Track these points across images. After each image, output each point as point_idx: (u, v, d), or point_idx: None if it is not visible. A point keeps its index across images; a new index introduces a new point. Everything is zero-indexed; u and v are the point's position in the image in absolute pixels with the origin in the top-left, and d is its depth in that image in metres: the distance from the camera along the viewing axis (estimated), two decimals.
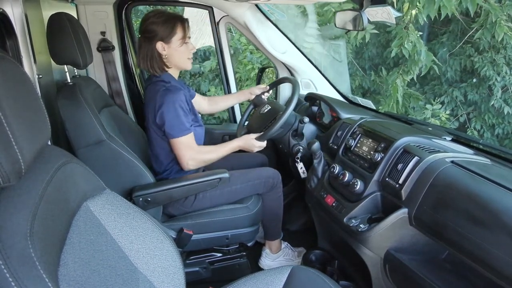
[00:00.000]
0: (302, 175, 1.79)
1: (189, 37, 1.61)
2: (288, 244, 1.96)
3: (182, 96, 1.53)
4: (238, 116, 2.50)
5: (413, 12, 3.70)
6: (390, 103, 4.31)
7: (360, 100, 2.19)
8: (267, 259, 1.88)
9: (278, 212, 1.81)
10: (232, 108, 2.48)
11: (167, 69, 1.60)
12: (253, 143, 1.67)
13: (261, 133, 1.70)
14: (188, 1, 2.25)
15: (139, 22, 1.59)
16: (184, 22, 1.57)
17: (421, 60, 3.97)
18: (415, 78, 4.38)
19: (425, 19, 3.73)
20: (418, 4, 3.59)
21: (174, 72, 1.64)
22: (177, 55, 1.57)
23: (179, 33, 1.55)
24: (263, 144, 1.70)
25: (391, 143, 1.35)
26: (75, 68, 1.61)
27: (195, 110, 1.67)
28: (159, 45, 1.53)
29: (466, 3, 3.57)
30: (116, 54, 2.15)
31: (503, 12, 4.05)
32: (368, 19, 1.60)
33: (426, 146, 1.31)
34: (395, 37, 4.21)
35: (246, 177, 1.70)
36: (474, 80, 5.06)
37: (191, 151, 1.56)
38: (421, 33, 4.17)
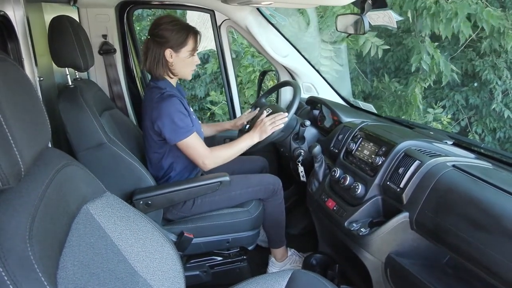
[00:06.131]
0: (302, 178, 1.78)
1: (197, 50, 1.60)
2: (295, 251, 1.92)
3: (176, 101, 1.51)
4: None
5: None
6: (411, 112, 4.46)
7: (362, 104, 2.19)
8: (274, 268, 1.86)
9: (280, 218, 1.79)
10: (234, 111, 2.48)
11: (169, 77, 1.60)
12: (266, 125, 1.61)
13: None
14: (190, 4, 2.26)
15: (150, 24, 1.56)
16: (196, 35, 1.57)
17: (439, 70, 4.03)
18: (432, 85, 4.44)
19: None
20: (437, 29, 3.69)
21: (173, 80, 1.63)
22: (183, 65, 1.58)
23: (190, 45, 1.55)
24: (280, 117, 1.62)
25: (392, 147, 1.34)
26: (76, 71, 1.61)
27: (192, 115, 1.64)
28: (168, 52, 1.53)
29: (481, 24, 3.66)
30: (118, 57, 2.15)
31: (508, 21, 4.06)
32: (369, 23, 1.60)
33: (427, 150, 1.30)
34: (400, 43, 4.22)
35: (247, 183, 1.69)
36: (475, 84, 5.05)
37: (201, 149, 1.54)
38: (437, 43, 4.21)
